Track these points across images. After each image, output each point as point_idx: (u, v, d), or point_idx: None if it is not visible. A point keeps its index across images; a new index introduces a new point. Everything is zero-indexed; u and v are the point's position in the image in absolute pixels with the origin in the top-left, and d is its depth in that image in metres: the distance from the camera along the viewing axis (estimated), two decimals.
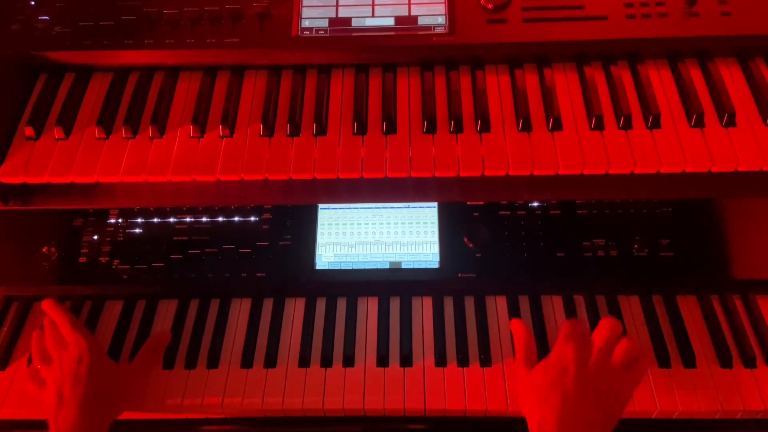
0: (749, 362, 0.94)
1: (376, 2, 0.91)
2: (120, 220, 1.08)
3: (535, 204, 1.07)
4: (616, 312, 1.00)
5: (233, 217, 1.08)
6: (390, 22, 0.89)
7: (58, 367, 0.88)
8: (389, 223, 1.07)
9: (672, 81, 0.88)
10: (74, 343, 0.89)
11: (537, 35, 0.87)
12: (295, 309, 1.03)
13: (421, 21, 0.89)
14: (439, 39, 0.88)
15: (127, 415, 0.93)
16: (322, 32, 0.89)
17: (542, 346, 0.96)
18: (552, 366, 0.82)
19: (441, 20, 0.89)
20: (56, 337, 0.92)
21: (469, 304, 1.02)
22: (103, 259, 1.05)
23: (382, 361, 0.96)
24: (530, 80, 0.89)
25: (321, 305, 1.03)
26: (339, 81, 0.91)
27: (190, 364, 0.97)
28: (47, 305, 0.95)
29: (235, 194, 0.88)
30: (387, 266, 1.04)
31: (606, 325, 0.84)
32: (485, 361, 0.95)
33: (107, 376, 0.89)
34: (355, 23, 0.90)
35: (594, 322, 0.98)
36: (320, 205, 1.08)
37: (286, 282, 1.04)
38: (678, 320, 0.98)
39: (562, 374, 0.79)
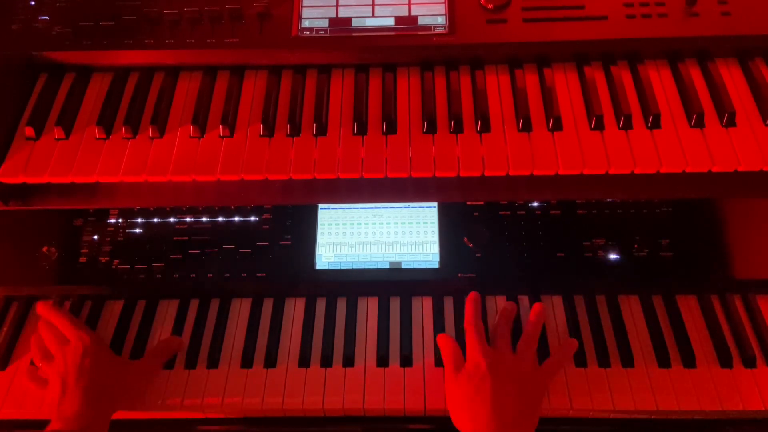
0: (749, 362, 0.94)
1: (376, 2, 0.91)
2: (120, 220, 1.08)
3: (535, 204, 1.07)
4: (616, 312, 1.00)
5: (233, 217, 1.08)
6: (390, 22, 0.90)
7: (62, 362, 0.89)
8: (389, 223, 1.07)
9: (672, 81, 0.88)
10: (77, 338, 0.91)
11: (537, 35, 0.87)
12: (295, 309, 1.03)
13: (421, 21, 0.89)
14: (439, 39, 0.88)
15: (127, 415, 0.93)
16: (322, 32, 0.89)
17: (542, 346, 0.96)
18: (473, 374, 0.86)
19: (441, 20, 0.89)
20: (56, 334, 0.93)
21: None
22: (103, 259, 1.05)
23: (382, 361, 0.96)
24: (530, 80, 0.89)
25: (321, 305, 1.03)
26: (339, 81, 0.91)
27: (190, 364, 0.97)
28: (42, 308, 0.96)
29: (235, 194, 0.88)
30: (387, 266, 1.04)
31: (502, 315, 0.95)
32: None
33: (112, 369, 0.91)
34: (355, 23, 0.90)
35: (594, 322, 0.99)
36: (320, 205, 1.08)
37: (286, 282, 1.04)
38: (678, 320, 0.98)
39: (482, 380, 0.85)
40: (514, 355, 0.90)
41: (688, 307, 1.01)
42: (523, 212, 1.07)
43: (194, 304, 1.04)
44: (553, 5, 0.88)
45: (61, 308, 0.96)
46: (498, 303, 1.02)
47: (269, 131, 0.86)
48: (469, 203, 1.07)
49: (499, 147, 0.83)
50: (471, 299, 0.96)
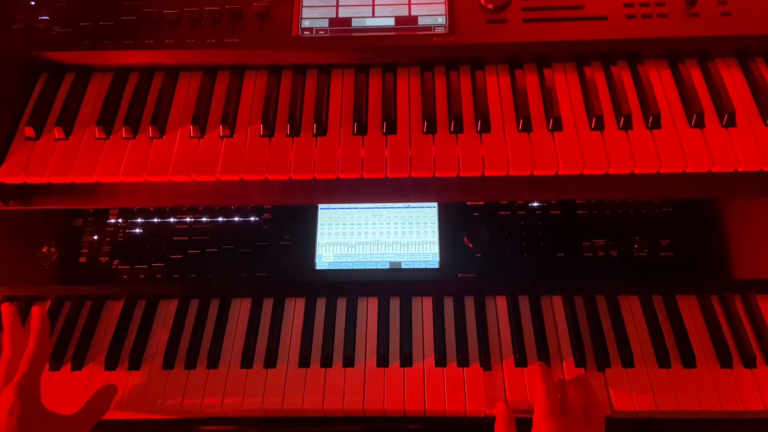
0: (749, 362, 0.94)
1: (376, 2, 0.91)
2: (120, 220, 1.08)
3: (535, 204, 1.07)
4: (616, 312, 1.00)
5: (233, 217, 1.08)
6: (390, 22, 0.89)
7: None
8: (389, 223, 1.07)
9: (672, 81, 0.88)
10: (11, 387, 0.80)
11: (537, 35, 0.87)
12: (295, 309, 1.03)
13: (421, 21, 0.89)
14: (439, 39, 0.88)
15: (126, 415, 0.93)
16: (322, 32, 0.89)
17: (542, 347, 0.96)
18: None
19: (441, 20, 0.89)
20: (8, 366, 0.85)
21: (469, 304, 1.02)
22: (103, 259, 1.05)
23: (382, 361, 0.96)
24: (530, 80, 0.89)
25: (321, 305, 1.03)
26: (339, 81, 0.91)
27: (190, 364, 0.97)
28: (6, 313, 0.89)
29: (235, 194, 0.88)
30: (387, 266, 1.04)
31: (578, 392, 0.85)
32: (485, 361, 0.95)
33: (41, 428, 0.80)
34: (355, 23, 0.90)
35: (594, 322, 0.99)
36: (320, 205, 1.08)
37: (286, 282, 1.04)
38: (678, 320, 0.98)
39: None
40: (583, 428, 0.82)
41: (688, 307, 1.01)
42: (523, 212, 1.07)
43: (194, 304, 1.04)
44: (553, 5, 0.88)
45: (18, 328, 0.88)
46: (498, 303, 1.02)
47: (269, 131, 0.86)
48: (469, 203, 1.07)
49: (499, 147, 0.83)
50: (542, 374, 0.87)
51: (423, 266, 1.04)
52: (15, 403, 0.78)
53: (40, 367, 0.85)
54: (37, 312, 0.89)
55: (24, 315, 1.04)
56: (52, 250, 1.05)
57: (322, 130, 0.86)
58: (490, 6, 0.88)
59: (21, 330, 0.90)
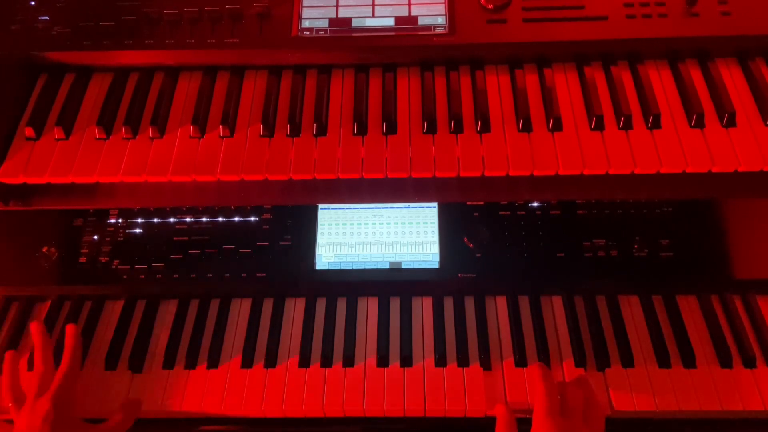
0: (749, 362, 0.94)
1: (376, 2, 0.91)
2: (120, 220, 1.08)
3: (535, 204, 1.07)
4: (616, 312, 1.00)
5: (233, 217, 1.08)
6: (390, 22, 0.90)
7: (26, 417, 0.83)
8: (389, 223, 1.07)
9: (672, 81, 0.88)
10: (47, 398, 0.84)
11: (537, 35, 0.87)
12: (295, 309, 1.03)
13: (421, 21, 0.89)
14: (439, 39, 0.88)
15: None
16: (322, 32, 0.89)
17: (542, 347, 0.96)
18: None
19: (441, 20, 0.89)
20: (41, 378, 0.88)
21: (469, 304, 1.02)
22: (103, 259, 1.05)
23: (383, 361, 0.96)
24: (530, 80, 0.89)
25: (321, 305, 1.03)
26: (339, 81, 0.91)
27: (190, 364, 0.97)
28: (36, 332, 0.92)
29: (235, 194, 0.88)
30: (387, 266, 1.04)
31: (578, 393, 0.85)
32: (485, 361, 0.95)
33: None
34: (355, 23, 0.90)
35: (594, 322, 0.99)
36: (320, 205, 1.08)
37: (286, 282, 1.04)
38: (678, 320, 0.98)
39: None
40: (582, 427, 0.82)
41: (688, 307, 1.01)
42: (523, 212, 1.07)
43: (194, 304, 1.04)
44: (553, 5, 0.88)
45: (48, 344, 0.92)
46: (498, 303, 1.02)
47: (269, 131, 0.86)
48: (469, 203, 1.07)
49: (499, 147, 0.83)
50: (542, 374, 0.86)
51: (423, 266, 1.04)
52: (49, 410, 0.82)
53: (74, 381, 0.89)
54: (71, 330, 0.93)
55: (25, 315, 1.04)
56: (52, 250, 1.05)
57: (322, 130, 0.86)
58: (490, 6, 0.88)
59: (50, 345, 0.93)
